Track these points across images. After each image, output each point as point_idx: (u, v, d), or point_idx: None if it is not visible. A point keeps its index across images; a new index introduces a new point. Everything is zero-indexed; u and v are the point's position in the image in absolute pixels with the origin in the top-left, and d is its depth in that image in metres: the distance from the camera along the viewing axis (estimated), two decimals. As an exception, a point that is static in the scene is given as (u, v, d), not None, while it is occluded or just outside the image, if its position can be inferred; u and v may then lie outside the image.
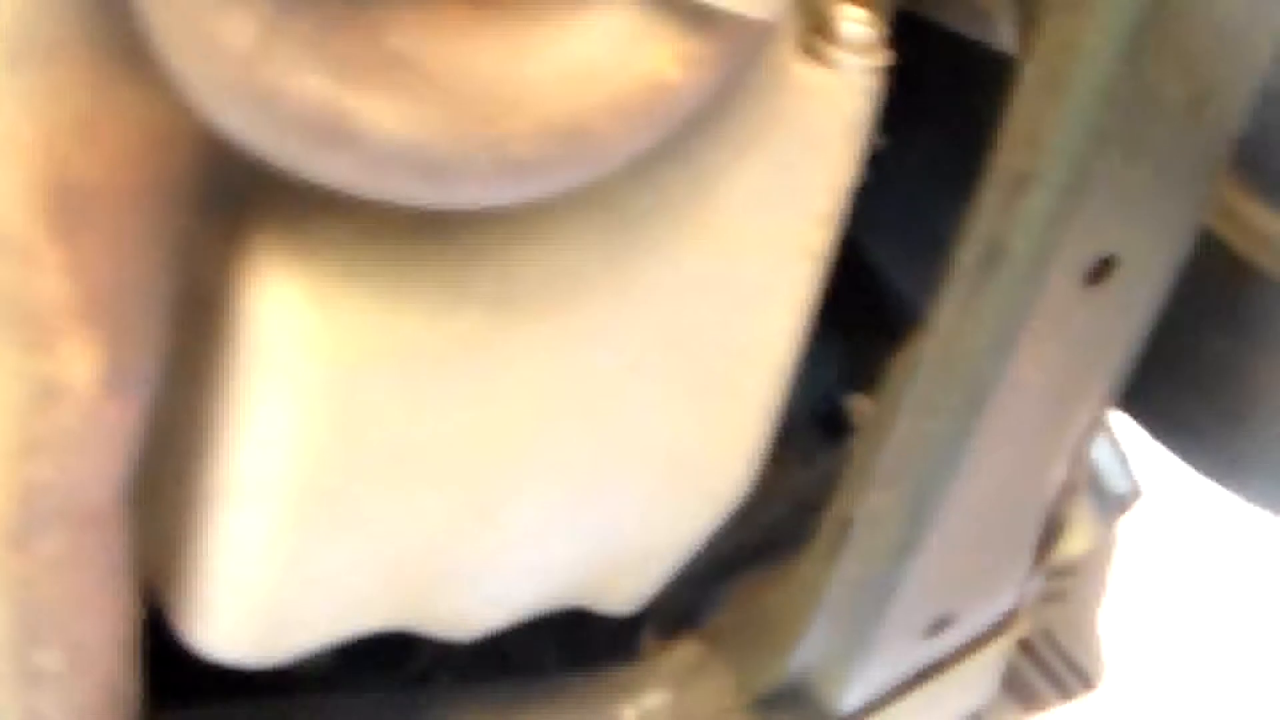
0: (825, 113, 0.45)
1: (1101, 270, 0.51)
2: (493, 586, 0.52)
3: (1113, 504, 0.85)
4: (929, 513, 0.54)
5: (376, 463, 0.44)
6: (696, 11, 0.37)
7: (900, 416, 0.52)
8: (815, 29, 0.44)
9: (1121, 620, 0.86)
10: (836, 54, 0.44)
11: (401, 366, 0.43)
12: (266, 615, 0.47)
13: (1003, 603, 0.64)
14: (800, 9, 0.44)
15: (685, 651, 0.66)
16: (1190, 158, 0.50)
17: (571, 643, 0.68)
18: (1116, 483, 0.85)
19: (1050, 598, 0.80)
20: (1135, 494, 0.86)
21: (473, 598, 0.52)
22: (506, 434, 0.46)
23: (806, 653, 0.60)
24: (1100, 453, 0.87)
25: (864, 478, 0.54)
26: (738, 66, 0.39)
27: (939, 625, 0.61)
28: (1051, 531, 0.64)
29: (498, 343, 0.44)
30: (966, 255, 0.49)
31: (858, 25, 0.44)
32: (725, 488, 0.53)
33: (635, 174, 0.42)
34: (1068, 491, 0.64)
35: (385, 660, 0.58)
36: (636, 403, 0.48)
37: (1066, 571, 0.83)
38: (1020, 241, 0.48)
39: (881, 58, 0.45)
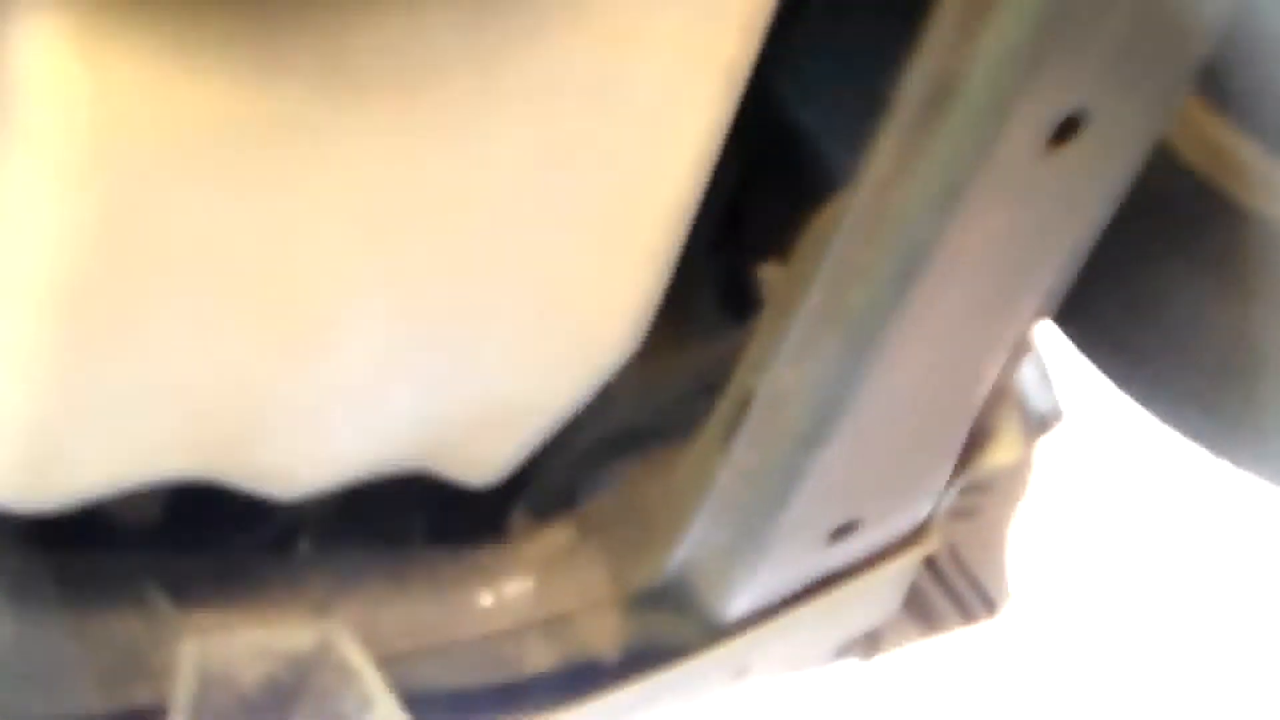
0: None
1: (1067, 128, 0.42)
2: (317, 435, 0.43)
3: (1033, 422, 0.78)
4: (843, 397, 0.47)
5: (160, 267, 0.35)
6: None
7: (816, 282, 0.44)
8: None
9: (1030, 545, 0.79)
10: None
11: (194, 148, 0.34)
12: (30, 444, 0.39)
13: (915, 512, 0.56)
14: None
15: (555, 536, 0.58)
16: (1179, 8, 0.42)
17: (441, 518, 0.60)
18: (1038, 400, 0.78)
19: (961, 513, 0.74)
20: (1056, 414, 0.79)
21: (293, 447, 0.43)
22: (330, 245, 0.37)
23: (690, 548, 0.52)
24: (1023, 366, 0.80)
25: (769, 351, 0.46)
26: None
27: (843, 531, 0.53)
28: (976, 438, 0.57)
29: (321, 130, 0.35)
30: (911, 92, 0.40)
31: None
32: (605, 341, 0.45)
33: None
34: (998, 395, 0.56)
35: (232, 521, 0.50)
36: (501, 224, 0.39)
37: (981, 487, 0.76)
38: (977, 80, 0.40)
39: None
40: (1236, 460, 0.69)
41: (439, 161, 0.37)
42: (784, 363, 0.46)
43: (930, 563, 0.74)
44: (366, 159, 0.36)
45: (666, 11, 0.37)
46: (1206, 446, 0.73)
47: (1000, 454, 0.57)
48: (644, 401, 0.56)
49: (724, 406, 0.49)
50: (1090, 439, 0.81)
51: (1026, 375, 0.80)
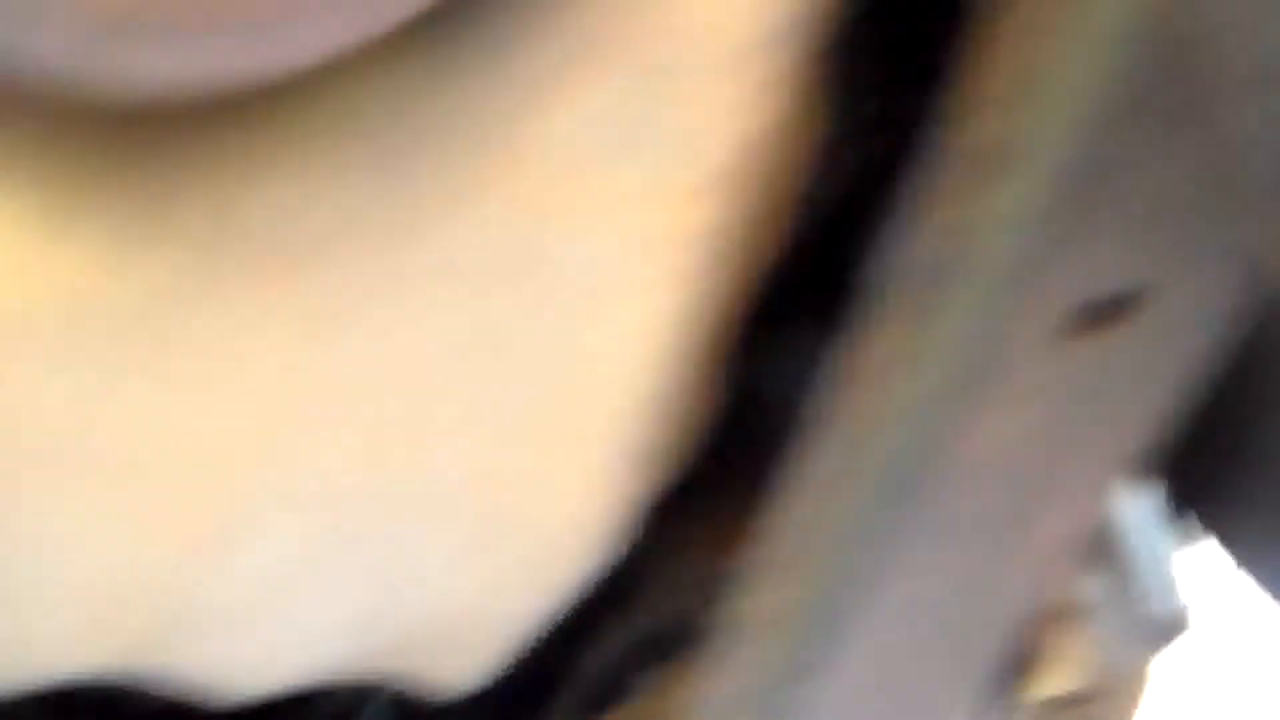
0: (699, 27, 0.32)
1: (1112, 310, 0.37)
2: (239, 640, 0.39)
3: (1150, 631, 0.71)
4: (830, 624, 0.41)
5: (29, 450, 0.32)
6: None
7: (799, 489, 0.39)
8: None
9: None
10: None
11: (62, 322, 0.31)
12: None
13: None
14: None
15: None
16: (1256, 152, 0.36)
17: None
18: (1159, 604, 0.71)
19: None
20: (1180, 623, 0.72)
21: (216, 651, 0.40)
22: (218, 436, 0.34)
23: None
24: (1142, 562, 0.73)
25: (754, 569, 0.41)
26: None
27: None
28: (1022, 662, 0.51)
29: (206, 308, 0.32)
30: (904, 275, 0.36)
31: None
32: (563, 553, 0.40)
33: (405, 92, 0.30)
34: (1049, 614, 0.50)
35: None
36: (419, 417, 0.36)
37: (1081, 701, 0.69)
38: (987, 255, 0.35)
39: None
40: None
41: (337, 346, 0.33)
42: (770, 585, 0.41)
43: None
44: (257, 341, 0.33)
45: (609, 177, 0.33)
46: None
47: (1054, 681, 0.51)
48: (671, 602, 0.51)
49: (718, 630, 0.44)
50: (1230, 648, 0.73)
51: (1145, 571, 0.73)
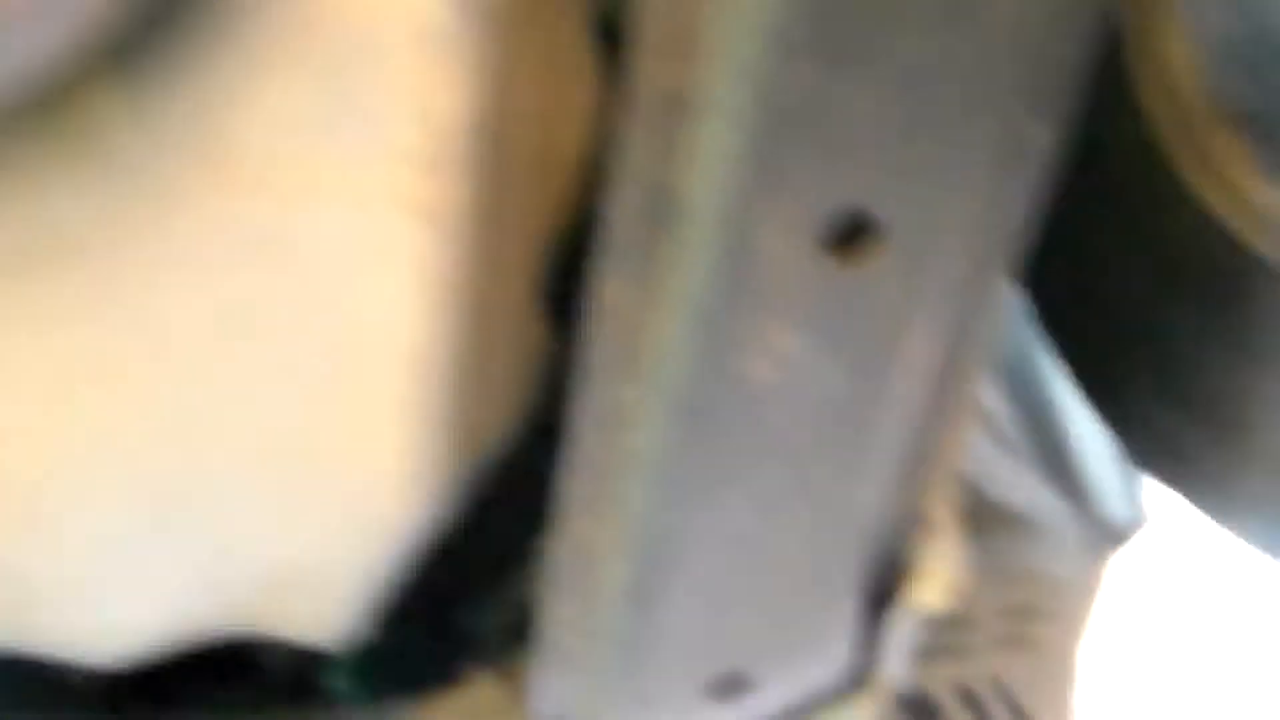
0: (380, 10, 0.34)
1: (858, 232, 0.38)
2: (87, 605, 0.42)
3: (1103, 533, 0.72)
4: (658, 548, 0.43)
5: None
6: None
7: (585, 426, 0.41)
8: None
9: (1100, 671, 0.71)
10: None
11: None
12: None
13: (829, 660, 0.51)
14: None
15: (479, 689, 0.56)
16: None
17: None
18: (1112, 507, 0.72)
19: (1007, 642, 0.67)
20: (1135, 523, 0.72)
21: (70, 615, 0.43)
22: (12, 416, 0.37)
23: (554, 704, 0.49)
24: (1095, 467, 0.72)
25: (561, 499, 0.43)
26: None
27: (728, 685, 0.49)
28: (898, 572, 0.51)
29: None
30: (622, 206, 0.37)
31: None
32: (382, 497, 0.42)
33: (111, 111, 0.32)
34: (913, 522, 0.51)
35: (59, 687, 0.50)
36: (203, 386, 0.38)
37: (1030, 612, 0.69)
38: (696, 187, 0.36)
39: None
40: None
41: (106, 329, 0.36)
42: (577, 514, 0.43)
43: (969, 697, 0.68)
44: (19, 333, 0.35)
45: (321, 155, 0.35)
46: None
47: (925, 593, 0.51)
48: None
49: (545, 559, 0.46)
50: (1176, 555, 0.73)
51: (1099, 476, 0.73)
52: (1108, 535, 0.73)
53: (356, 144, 0.35)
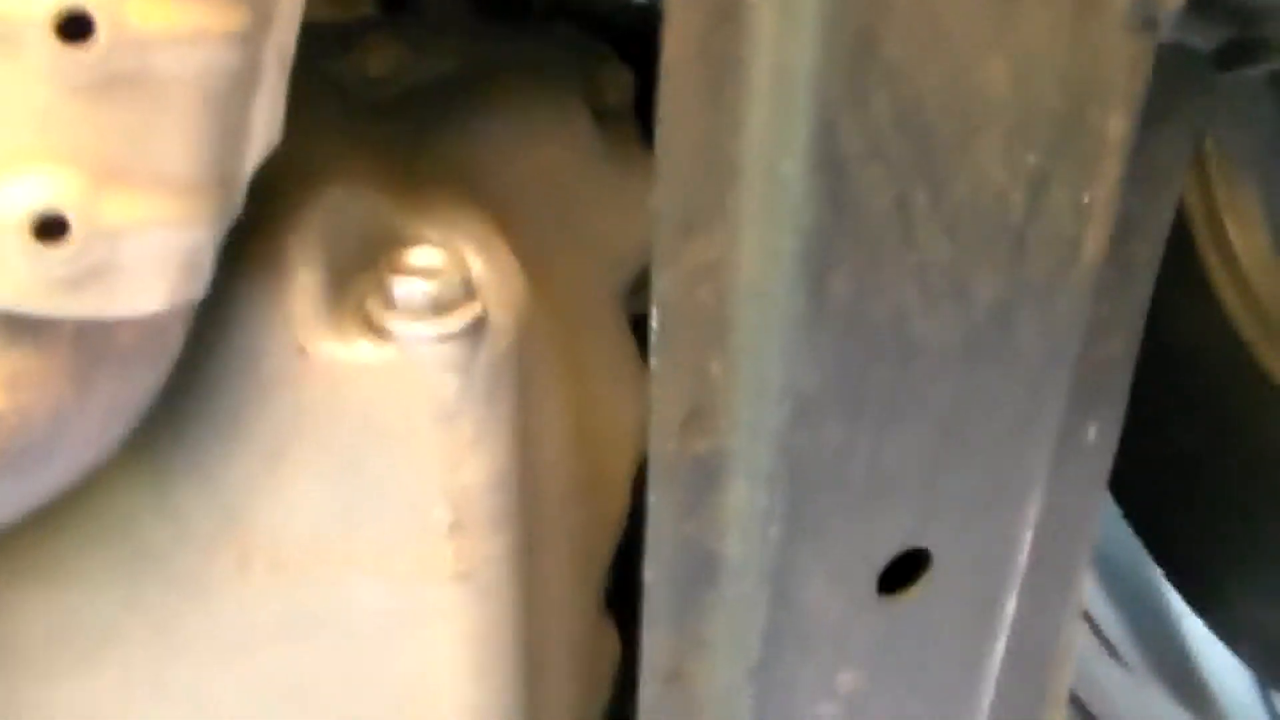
0: (395, 398, 0.35)
1: (904, 570, 0.38)
2: None
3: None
4: None
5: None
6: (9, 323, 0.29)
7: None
8: (374, 290, 0.35)
9: None
10: (391, 322, 0.35)
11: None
12: None
13: None
14: (347, 265, 0.35)
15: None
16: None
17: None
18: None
19: None
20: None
21: None
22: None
23: None
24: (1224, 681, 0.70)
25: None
26: (129, 372, 0.31)
27: None
28: None
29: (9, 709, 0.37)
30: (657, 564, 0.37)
31: (418, 283, 0.34)
32: None
33: (139, 504, 0.34)
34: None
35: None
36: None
37: None
38: (734, 547, 0.36)
39: (466, 317, 0.35)
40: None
41: (154, 710, 0.38)
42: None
43: None
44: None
45: (352, 533, 0.36)
46: None
47: None
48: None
49: None
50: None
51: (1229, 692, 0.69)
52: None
53: (383, 523, 0.35)
